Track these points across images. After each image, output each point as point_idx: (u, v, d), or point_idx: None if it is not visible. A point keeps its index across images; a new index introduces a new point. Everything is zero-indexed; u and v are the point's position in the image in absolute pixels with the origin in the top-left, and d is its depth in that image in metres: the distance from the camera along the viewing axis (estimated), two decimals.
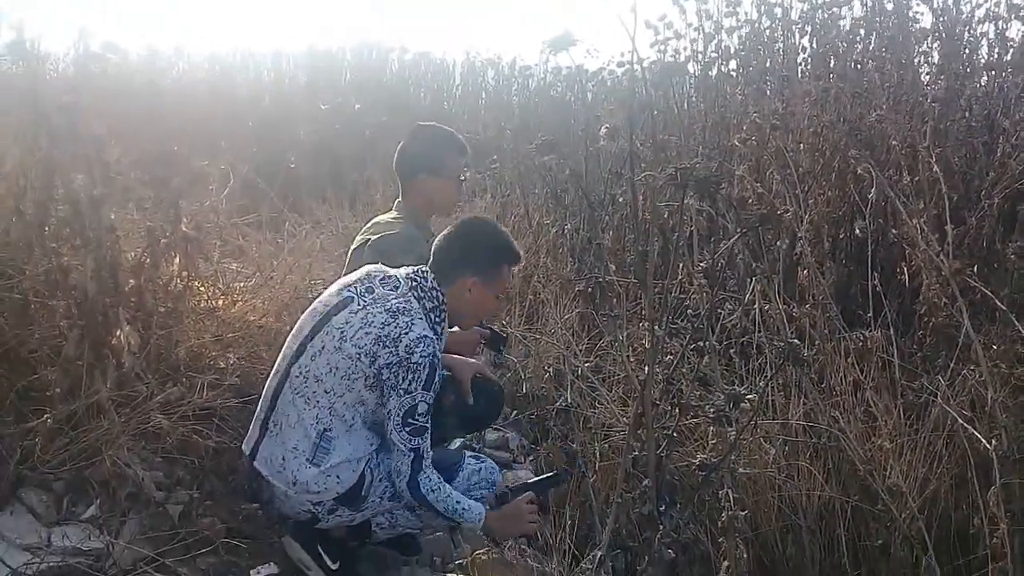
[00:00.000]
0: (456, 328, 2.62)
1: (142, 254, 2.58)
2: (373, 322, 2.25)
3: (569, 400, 3.09)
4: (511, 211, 5.16)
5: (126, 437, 2.27)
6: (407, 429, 2.23)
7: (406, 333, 2.21)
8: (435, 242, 2.42)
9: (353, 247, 2.97)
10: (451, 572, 2.51)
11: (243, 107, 8.39)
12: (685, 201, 2.25)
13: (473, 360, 2.86)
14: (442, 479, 2.33)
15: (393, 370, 2.21)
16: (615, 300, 3.46)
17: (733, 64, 5.29)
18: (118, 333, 2.35)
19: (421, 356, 2.20)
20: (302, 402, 2.28)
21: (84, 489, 2.25)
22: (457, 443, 2.67)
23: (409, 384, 2.20)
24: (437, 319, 2.33)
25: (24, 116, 2.41)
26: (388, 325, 2.23)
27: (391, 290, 2.32)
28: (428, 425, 2.26)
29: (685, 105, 5.42)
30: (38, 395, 2.33)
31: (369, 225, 3.02)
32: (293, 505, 2.32)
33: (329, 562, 2.37)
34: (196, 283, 2.89)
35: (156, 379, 2.45)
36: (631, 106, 2.54)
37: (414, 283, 2.33)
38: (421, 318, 2.28)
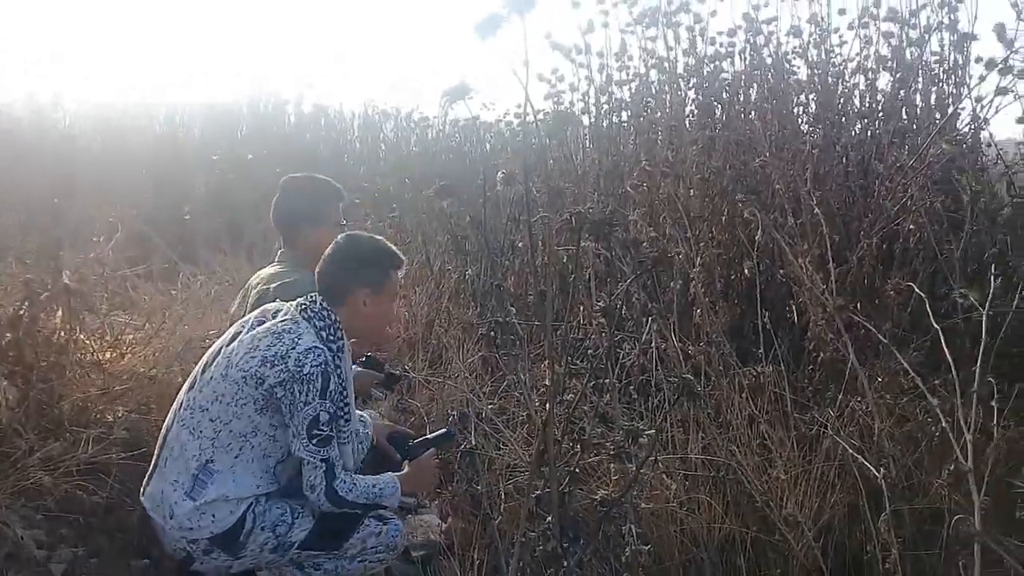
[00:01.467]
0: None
1: (20, 307, 2.48)
2: (258, 345, 2.23)
3: (474, 442, 3.08)
4: (413, 258, 5.14)
5: (3, 495, 2.15)
6: (313, 441, 2.21)
7: (293, 348, 2.21)
8: (318, 268, 2.42)
9: (253, 300, 2.89)
10: None
11: (135, 159, 8.17)
12: (581, 244, 2.30)
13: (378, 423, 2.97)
14: (353, 477, 2.33)
15: (287, 387, 2.19)
16: (517, 342, 3.48)
17: (624, 115, 5.47)
18: None
19: (312, 367, 2.19)
20: (186, 434, 2.23)
21: None
22: None
23: (306, 396, 2.19)
24: (331, 336, 2.31)
25: None
26: (274, 345, 2.23)
27: (278, 317, 2.33)
28: (333, 433, 2.24)
29: (580, 154, 5.55)
30: None
31: (263, 278, 2.96)
32: (170, 541, 2.24)
33: None
34: (81, 336, 2.79)
35: (36, 434, 2.34)
36: (526, 153, 2.59)
37: (303, 307, 2.33)
38: (310, 333, 2.27)
